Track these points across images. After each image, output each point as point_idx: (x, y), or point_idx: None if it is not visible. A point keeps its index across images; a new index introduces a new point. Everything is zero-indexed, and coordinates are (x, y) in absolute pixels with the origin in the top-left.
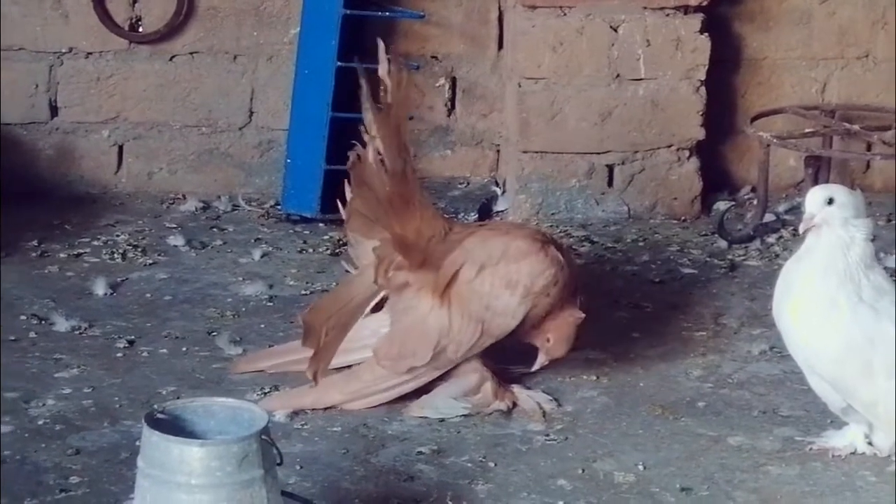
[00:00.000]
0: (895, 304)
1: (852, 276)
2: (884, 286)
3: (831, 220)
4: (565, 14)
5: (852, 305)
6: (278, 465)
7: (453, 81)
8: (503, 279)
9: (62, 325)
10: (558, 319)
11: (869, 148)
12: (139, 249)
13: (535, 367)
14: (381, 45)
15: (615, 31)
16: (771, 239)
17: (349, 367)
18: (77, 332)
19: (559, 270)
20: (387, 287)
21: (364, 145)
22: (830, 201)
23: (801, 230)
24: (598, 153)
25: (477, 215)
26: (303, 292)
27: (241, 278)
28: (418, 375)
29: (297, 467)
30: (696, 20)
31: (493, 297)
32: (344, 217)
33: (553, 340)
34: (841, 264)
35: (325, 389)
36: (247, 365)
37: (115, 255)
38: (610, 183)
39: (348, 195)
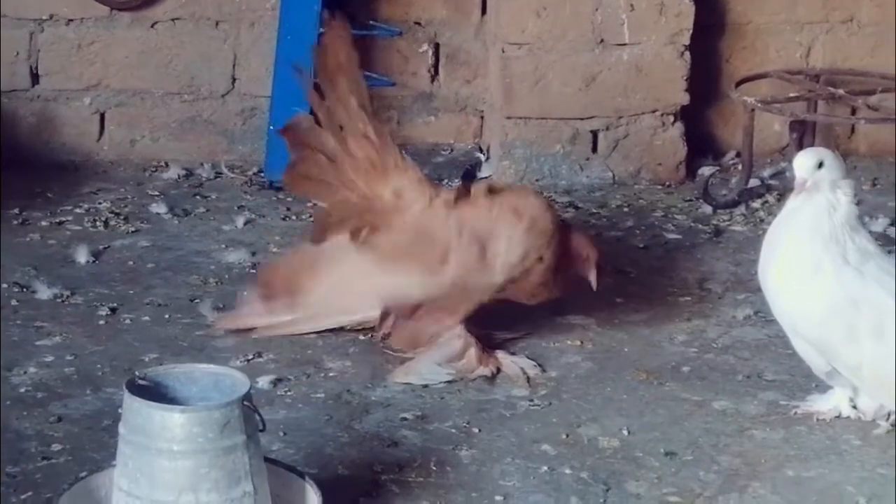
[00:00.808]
0: (880, 266)
1: (837, 238)
2: (869, 249)
3: (821, 183)
4: None
5: (837, 268)
6: (261, 431)
7: (436, 47)
8: (510, 206)
9: (44, 292)
10: (573, 250)
11: (853, 112)
12: (121, 217)
13: (594, 283)
14: (325, 14)
15: None
16: (756, 204)
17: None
18: (59, 300)
19: (556, 216)
20: (364, 249)
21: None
22: (820, 165)
23: (794, 195)
24: (583, 119)
25: (461, 182)
26: None
27: (223, 246)
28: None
29: (281, 434)
30: None
31: (501, 221)
32: (285, 181)
33: (586, 255)
34: (826, 227)
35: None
36: (231, 322)
37: (98, 223)
38: (594, 148)
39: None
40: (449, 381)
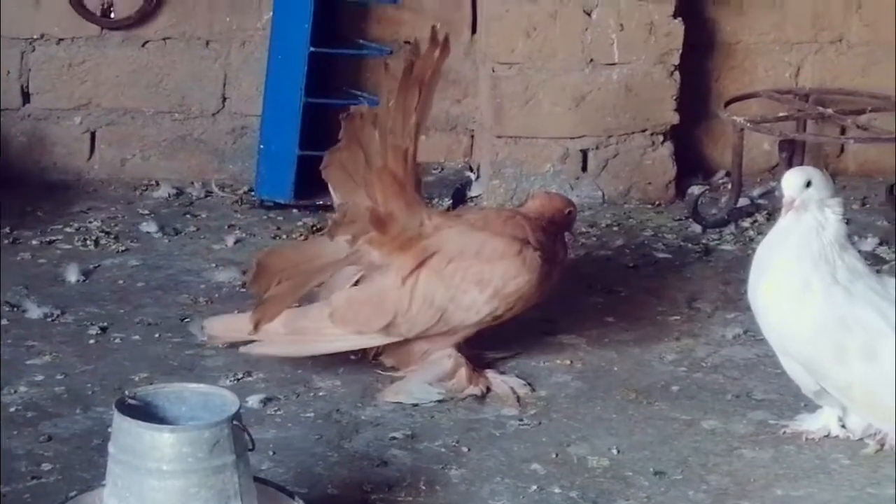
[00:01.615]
0: (869, 285)
1: (827, 257)
2: (858, 268)
3: (809, 202)
4: None
5: (826, 287)
6: (250, 450)
7: None
8: (475, 276)
9: (34, 311)
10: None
11: (843, 132)
12: (112, 236)
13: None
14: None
15: (588, 15)
16: (745, 223)
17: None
18: (49, 319)
19: (534, 276)
20: (356, 261)
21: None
22: (808, 184)
23: (783, 214)
24: (573, 138)
25: (451, 201)
26: None
27: (214, 265)
28: (367, 339)
29: (270, 453)
30: (670, 4)
31: (461, 291)
32: (324, 161)
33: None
34: (815, 246)
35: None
36: (222, 331)
37: (88, 242)
38: (584, 168)
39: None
40: (439, 401)
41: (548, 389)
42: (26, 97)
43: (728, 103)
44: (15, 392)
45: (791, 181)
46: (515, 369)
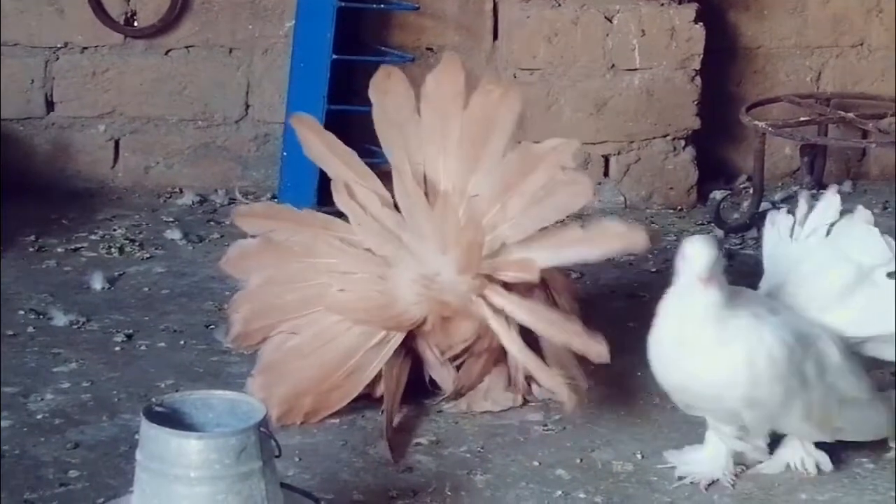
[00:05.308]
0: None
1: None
2: (774, 305)
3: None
4: (560, 4)
5: (750, 330)
6: (277, 457)
7: None
8: None
9: (60, 319)
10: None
11: (864, 136)
12: (136, 243)
13: None
14: None
15: (610, 21)
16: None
17: None
18: (75, 327)
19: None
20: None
21: None
22: (713, 256)
23: (702, 287)
24: (594, 143)
25: None
26: None
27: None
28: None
29: (296, 459)
30: (691, 10)
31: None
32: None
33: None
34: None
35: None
36: (251, 215)
37: (113, 250)
38: (606, 173)
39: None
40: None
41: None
42: (51, 106)
43: (749, 108)
44: (42, 399)
45: (700, 253)
46: None
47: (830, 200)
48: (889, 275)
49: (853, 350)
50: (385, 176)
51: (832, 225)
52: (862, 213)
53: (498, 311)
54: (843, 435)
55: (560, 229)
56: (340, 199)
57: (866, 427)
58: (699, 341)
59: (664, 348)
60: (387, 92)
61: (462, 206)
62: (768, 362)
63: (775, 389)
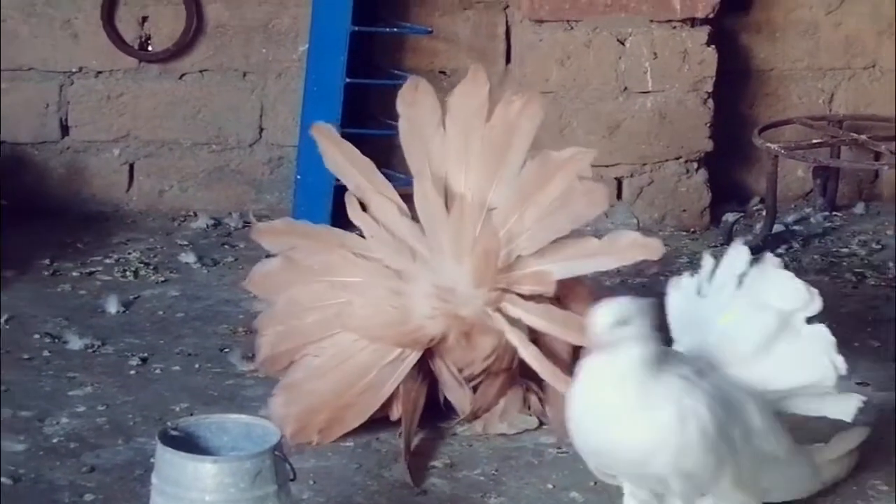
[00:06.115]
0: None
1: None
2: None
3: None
4: (572, 28)
5: (681, 393)
6: (291, 480)
7: None
8: None
9: (75, 343)
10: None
11: (877, 158)
12: (151, 267)
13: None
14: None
15: (622, 44)
16: (780, 250)
17: None
18: (90, 350)
19: None
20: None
21: None
22: (621, 321)
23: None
24: (607, 166)
25: None
26: None
27: (252, 295)
28: None
29: (311, 482)
30: (703, 32)
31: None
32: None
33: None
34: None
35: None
36: (269, 232)
37: (128, 273)
38: (619, 195)
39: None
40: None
41: None
42: (65, 130)
43: (762, 130)
44: (57, 423)
45: (597, 318)
46: None
47: (738, 251)
48: (808, 320)
49: (775, 407)
50: (406, 198)
51: (742, 276)
52: (771, 260)
53: (515, 322)
54: (769, 497)
55: (576, 240)
56: (354, 212)
57: (792, 485)
58: (622, 404)
59: (582, 411)
60: (414, 104)
61: (481, 218)
62: (698, 427)
63: (707, 458)
